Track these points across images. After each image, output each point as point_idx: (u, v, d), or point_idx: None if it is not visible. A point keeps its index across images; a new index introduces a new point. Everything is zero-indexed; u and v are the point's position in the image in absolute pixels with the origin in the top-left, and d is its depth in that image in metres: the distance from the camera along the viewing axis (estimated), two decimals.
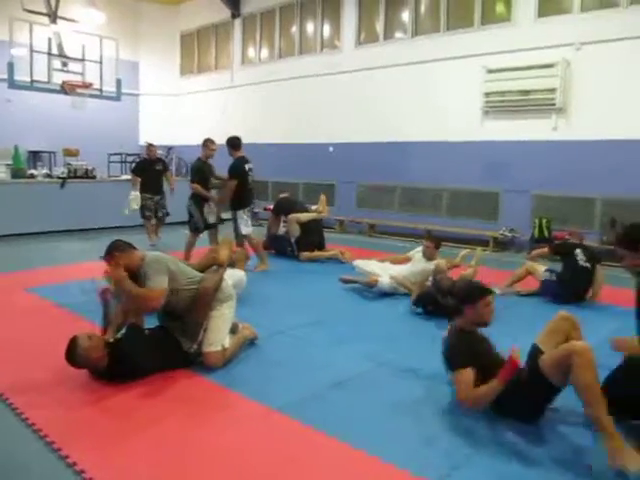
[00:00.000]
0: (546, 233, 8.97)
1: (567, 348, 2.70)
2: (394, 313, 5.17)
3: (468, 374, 2.89)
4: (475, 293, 3.10)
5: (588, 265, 5.79)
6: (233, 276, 4.66)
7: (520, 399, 2.81)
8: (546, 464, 2.54)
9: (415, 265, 5.91)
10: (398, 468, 2.47)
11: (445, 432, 2.84)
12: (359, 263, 6.21)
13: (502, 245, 9.46)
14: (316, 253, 8.00)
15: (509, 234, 9.32)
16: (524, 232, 9.26)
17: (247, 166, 7.17)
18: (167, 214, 9.16)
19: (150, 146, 9.14)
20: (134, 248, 3.65)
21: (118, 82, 12.12)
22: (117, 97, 12.31)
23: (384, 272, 5.89)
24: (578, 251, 5.92)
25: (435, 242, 5.92)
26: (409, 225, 10.43)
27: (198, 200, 7.25)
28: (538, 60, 9.30)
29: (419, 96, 10.89)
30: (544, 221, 9.03)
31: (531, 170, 9.48)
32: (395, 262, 6.28)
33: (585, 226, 8.95)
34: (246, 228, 7.04)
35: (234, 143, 7.17)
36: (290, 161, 13.17)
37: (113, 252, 3.52)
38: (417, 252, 6.11)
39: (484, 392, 2.83)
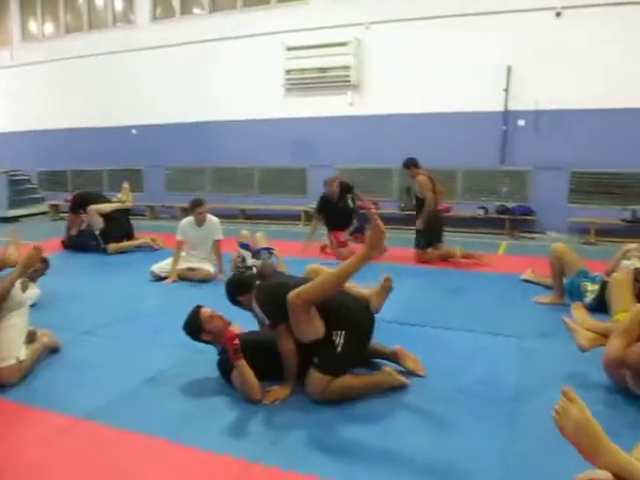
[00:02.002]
0: (351, 204, 9.45)
1: None
2: (211, 299, 5.06)
3: None
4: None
5: None
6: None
7: None
8: (359, 439, 2.66)
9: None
10: (217, 454, 2.43)
11: (259, 412, 2.84)
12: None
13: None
14: (124, 243, 7.56)
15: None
16: None
17: None
18: None
19: None
20: None
21: None
22: None
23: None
24: None
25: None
26: (223, 206, 10.32)
27: None
28: (333, 38, 9.69)
29: (222, 74, 10.74)
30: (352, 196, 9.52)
31: (333, 145, 9.93)
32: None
33: (385, 195, 9.68)
34: None
35: None
36: (89, 147, 12.20)
37: None
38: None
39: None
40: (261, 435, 2.62)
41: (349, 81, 9.77)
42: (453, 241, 7.16)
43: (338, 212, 7.08)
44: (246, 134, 10.62)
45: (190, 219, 5.92)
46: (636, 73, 8.07)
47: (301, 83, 10.16)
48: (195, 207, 5.82)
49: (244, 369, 2.91)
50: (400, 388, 3.06)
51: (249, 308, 3.24)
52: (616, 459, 1.55)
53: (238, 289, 3.30)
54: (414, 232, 6.82)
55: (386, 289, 3.30)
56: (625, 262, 4.78)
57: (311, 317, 2.88)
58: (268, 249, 5.74)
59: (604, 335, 3.17)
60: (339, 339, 2.94)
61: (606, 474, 1.52)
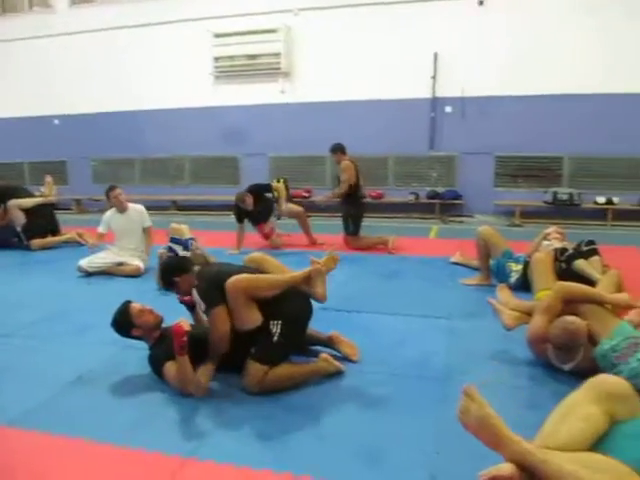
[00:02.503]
0: (285, 192, 9.44)
1: None
2: (141, 294, 4.94)
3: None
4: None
5: None
6: None
7: None
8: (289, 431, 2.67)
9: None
10: (148, 451, 2.37)
11: (193, 407, 2.79)
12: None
13: None
14: (49, 239, 7.25)
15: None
16: None
17: None
18: None
19: None
20: None
21: None
22: None
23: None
24: None
25: None
26: (153, 198, 10.06)
27: None
28: (262, 25, 9.58)
29: (149, 62, 10.42)
30: (282, 181, 9.48)
31: (265, 133, 9.85)
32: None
33: (319, 183, 9.71)
34: None
35: None
36: (7, 138, 11.56)
37: None
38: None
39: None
40: (194, 430, 2.59)
41: (279, 68, 9.71)
42: (385, 227, 7.28)
43: (256, 214, 6.88)
44: (176, 123, 10.37)
45: (112, 210, 5.83)
46: (553, 60, 8.42)
47: (230, 71, 10.01)
48: (109, 192, 5.80)
49: (185, 364, 2.86)
50: (336, 374, 3.09)
51: (184, 292, 3.19)
52: (518, 449, 1.65)
53: (175, 269, 3.26)
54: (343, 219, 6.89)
55: (319, 272, 3.24)
56: (545, 243, 5.01)
57: (251, 305, 2.90)
58: (193, 239, 5.64)
59: (527, 313, 3.31)
60: (276, 328, 2.93)
61: (508, 468, 1.60)
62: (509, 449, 1.65)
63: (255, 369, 2.87)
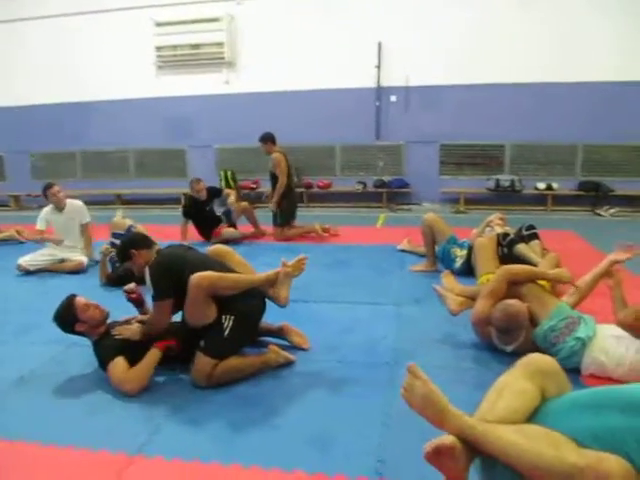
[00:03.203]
0: (232, 184, 9.38)
1: None
2: (86, 290, 4.79)
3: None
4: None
5: None
6: None
7: None
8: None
9: None
10: (93, 451, 2.32)
11: (139, 404, 2.75)
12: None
13: None
14: None
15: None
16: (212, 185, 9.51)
17: None
18: None
19: None
20: None
21: None
22: None
23: None
24: None
25: None
26: (96, 192, 9.79)
27: None
28: (205, 14, 9.41)
29: (88, 51, 10.07)
30: (229, 173, 9.42)
31: (211, 124, 9.72)
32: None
33: (266, 174, 9.59)
34: None
35: None
36: None
37: None
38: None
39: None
40: (141, 426, 2.54)
41: (223, 58, 9.57)
42: (333, 217, 7.30)
43: (205, 217, 6.64)
44: (119, 115, 10.08)
45: (50, 207, 5.64)
46: (494, 50, 8.62)
47: (173, 60, 9.80)
48: (46, 190, 5.59)
49: (154, 359, 2.88)
50: (287, 364, 3.09)
51: (137, 267, 3.11)
52: (460, 423, 1.70)
53: (136, 242, 3.19)
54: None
55: (288, 275, 3.17)
56: (488, 229, 5.15)
57: (209, 303, 2.87)
58: (132, 226, 5.54)
59: (471, 298, 3.39)
60: (228, 323, 2.91)
61: (450, 439, 1.65)
62: (452, 424, 1.70)
63: (204, 362, 2.84)
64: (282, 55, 9.36)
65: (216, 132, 9.74)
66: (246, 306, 3.01)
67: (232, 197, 6.76)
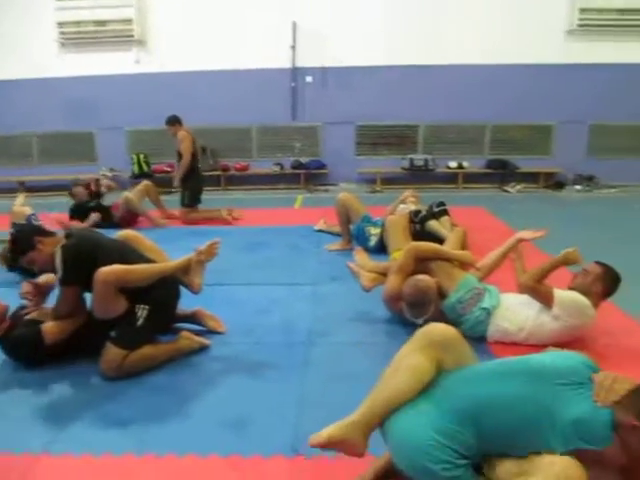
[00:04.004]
0: (145, 168, 9.09)
1: None
2: None
3: None
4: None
5: None
6: None
7: None
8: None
9: None
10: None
11: (45, 401, 2.63)
12: None
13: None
14: None
15: (110, 173, 9.09)
16: (124, 169, 9.18)
17: None
18: None
19: None
20: None
21: None
22: None
23: None
24: None
25: None
26: None
27: None
28: None
29: None
30: (141, 157, 9.10)
31: (122, 106, 9.31)
32: None
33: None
34: None
35: None
36: None
37: None
38: None
39: None
40: (47, 424, 2.43)
41: (132, 36, 9.14)
42: (251, 199, 7.24)
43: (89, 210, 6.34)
44: (17, 96, 9.42)
45: None
46: (409, 31, 8.76)
47: (77, 38, 9.25)
48: None
49: None
50: (201, 349, 3.05)
51: (41, 261, 2.90)
52: (360, 430, 1.77)
53: (40, 230, 3.04)
54: (210, 192, 6.78)
55: (200, 262, 3.12)
56: (402, 206, 5.29)
57: (117, 296, 2.76)
58: (34, 215, 5.22)
59: (383, 274, 3.47)
60: (141, 312, 2.83)
61: (324, 435, 1.71)
62: (359, 437, 1.76)
63: (114, 353, 2.74)
64: (195, 34, 9.08)
65: (127, 114, 9.34)
66: (160, 294, 2.93)
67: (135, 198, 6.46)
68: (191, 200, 6.62)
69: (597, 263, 3.05)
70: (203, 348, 3.06)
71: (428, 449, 1.66)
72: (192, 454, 2.15)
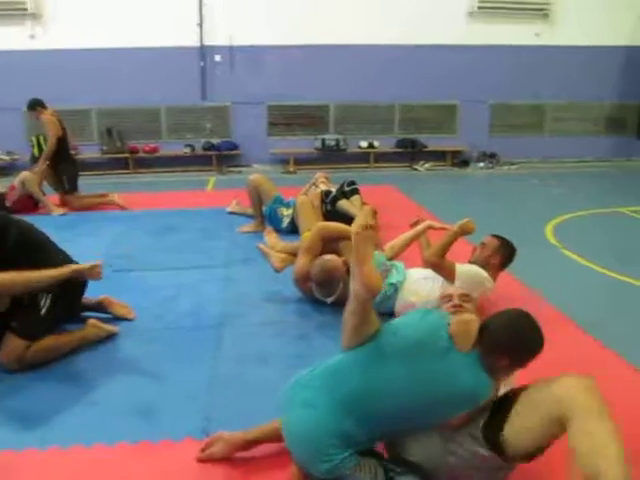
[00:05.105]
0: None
1: None
2: None
3: None
4: None
5: None
6: None
7: None
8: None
9: None
10: None
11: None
12: None
13: (1, 170, 8.64)
14: None
15: (7, 157, 8.55)
16: (23, 153, 8.64)
17: None
18: None
19: None
20: None
21: None
22: None
23: None
24: None
25: None
26: None
27: None
28: None
29: None
30: (41, 138, 8.57)
31: (16, 84, 8.70)
32: None
33: (85, 139, 8.96)
34: None
35: None
36: None
37: None
38: None
39: None
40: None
41: (26, 9, 8.56)
42: (162, 182, 7.05)
43: None
44: None
45: None
46: (319, 11, 8.76)
47: None
48: None
49: None
50: (110, 337, 2.97)
51: None
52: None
53: None
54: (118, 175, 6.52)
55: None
56: (314, 188, 5.35)
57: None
58: None
59: (293, 254, 3.52)
60: (45, 301, 2.72)
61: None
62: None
63: (15, 344, 2.62)
64: (97, 9, 8.60)
65: (23, 93, 8.73)
66: (66, 282, 2.82)
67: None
68: (71, 184, 6.25)
69: (494, 236, 3.23)
70: (111, 336, 2.98)
71: (320, 449, 1.76)
72: (99, 444, 2.11)
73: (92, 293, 3.17)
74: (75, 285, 2.93)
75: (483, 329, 1.79)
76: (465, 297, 2.16)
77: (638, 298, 3.66)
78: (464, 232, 3.21)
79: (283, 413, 1.90)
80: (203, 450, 2.04)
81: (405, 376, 1.76)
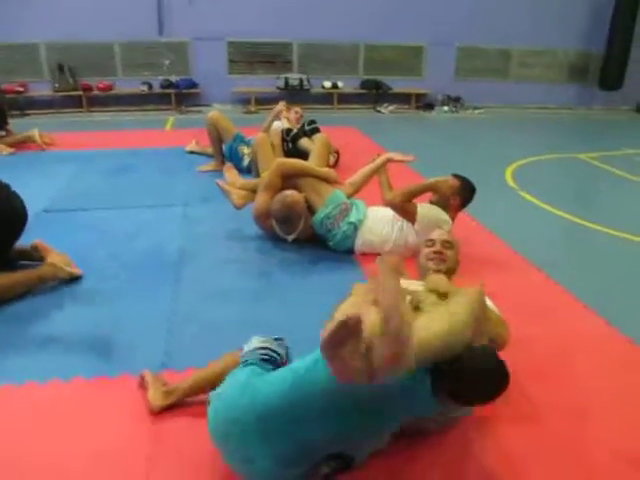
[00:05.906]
0: None
1: None
2: None
3: None
4: None
5: None
6: None
7: None
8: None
9: None
10: None
11: None
12: None
13: None
14: None
15: None
16: None
17: None
18: None
19: None
20: None
21: None
22: None
23: None
24: None
25: None
26: None
27: None
28: None
29: None
30: None
31: None
32: None
33: (34, 76, 8.50)
34: None
35: None
36: None
37: None
38: None
39: None
40: None
41: None
42: (118, 122, 6.79)
43: None
44: None
45: None
46: None
47: None
48: None
49: None
50: (73, 280, 2.84)
51: None
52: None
53: None
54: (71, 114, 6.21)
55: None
56: (277, 123, 5.23)
57: None
58: None
59: (253, 191, 3.45)
60: None
61: None
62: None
63: None
64: None
65: None
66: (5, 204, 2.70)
67: None
68: None
69: (455, 176, 3.22)
70: (75, 278, 2.85)
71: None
72: (55, 380, 2.07)
73: (41, 234, 3.02)
74: (15, 206, 2.79)
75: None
76: (447, 244, 2.15)
77: (591, 239, 3.76)
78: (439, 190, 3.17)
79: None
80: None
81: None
